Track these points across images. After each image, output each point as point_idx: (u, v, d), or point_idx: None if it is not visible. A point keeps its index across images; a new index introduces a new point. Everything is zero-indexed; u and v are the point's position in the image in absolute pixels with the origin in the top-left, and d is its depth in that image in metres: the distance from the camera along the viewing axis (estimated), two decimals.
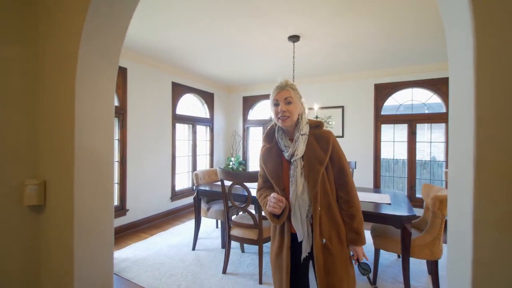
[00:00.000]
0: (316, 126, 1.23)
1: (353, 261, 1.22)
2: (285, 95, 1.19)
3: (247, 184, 2.29)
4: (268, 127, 1.32)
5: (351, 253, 1.22)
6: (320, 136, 1.19)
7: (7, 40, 1.22)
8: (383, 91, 4.30)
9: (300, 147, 1.16)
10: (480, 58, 0.56)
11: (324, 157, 1.15)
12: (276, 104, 1.21)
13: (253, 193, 2.39)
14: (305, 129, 1.20)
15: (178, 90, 4.44)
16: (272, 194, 1.16)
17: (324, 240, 1.14)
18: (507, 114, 0.55)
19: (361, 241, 1.17)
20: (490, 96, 0.57)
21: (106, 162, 1.32)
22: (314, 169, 1.14)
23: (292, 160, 1.19)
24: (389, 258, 2.79)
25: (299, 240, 1.18)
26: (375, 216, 2.10)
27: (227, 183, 2.55)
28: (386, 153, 4.60)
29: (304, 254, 1.17)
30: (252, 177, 2.23)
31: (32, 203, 1.27)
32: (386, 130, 4.49)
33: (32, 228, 1.31)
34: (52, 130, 1.28)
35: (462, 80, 0.61)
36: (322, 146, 1.17)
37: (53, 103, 1.27)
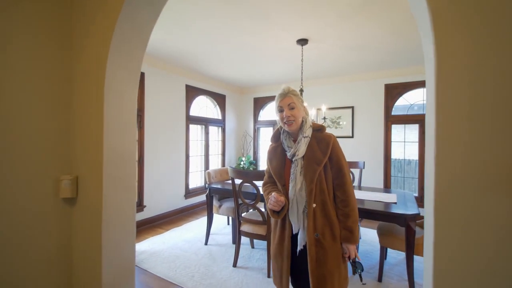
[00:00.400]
0: (318, 129, 1.33)
1: (347, 259, 1.29)
2: (288, 101, 1.29)
3: (256, 182, 2.41)
4: (276, 128, 1.44)
5: (345, 251, 1.28)
6: (321, 139, 1.29)
7: (46, 55, 1.41)
8: (393, 91, 4.30)
9: (301, 148, 1.27)
10: (439, 71, 0.67)
11: (322, 158, 1.24)
12: (280, 110, 1.31)
13: (262, 190, 2.51)
14: (308, 132, 1.30)
15: (192, 92, 4.63)
16: (273, 193, 1.27)
17: (317, 234, 1.22)
18: (461, 119, 0.66)
19: (354, 239, 1.23)
20: (447, 104, 0.67)
21: (130, 160, 1.49)
22: (312, 168, 1.24)
23: (293, 159, 1.30)
24: (397, 257, 2.83)
25: (294, 232, 1.29)
26: (380, 214, 2.16)
27: (238, 181, 2.69)
28: (399, 153, 4.58)
29: (300, 246, 1.27)
30: (261, 176, 2.35)
31: (67, 195, 1.45)
32: (398, 131, 4.48)
33: (66, 217, 1.50)
34: (83, 132, 1.46)
35: (429, 89, 0.71)
36: (322, 148, 1.26)
37: (84, 107, 1.45)
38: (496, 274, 0.60)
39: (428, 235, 0.71)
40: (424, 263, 0.74)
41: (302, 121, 1.32)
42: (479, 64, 0.63)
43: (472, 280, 0.63)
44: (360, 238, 3.30)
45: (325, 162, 1.26)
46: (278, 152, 1.38)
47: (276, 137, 1.41)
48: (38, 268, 1.40)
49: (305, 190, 1.25)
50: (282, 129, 1.38)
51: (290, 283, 1.34)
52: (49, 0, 1.42)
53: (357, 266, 1.31)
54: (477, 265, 0.62)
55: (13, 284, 1.31)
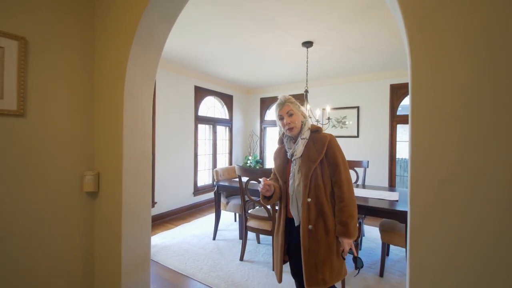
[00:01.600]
0: (315, 131, 1.46)
1: (342, 254, 1.36)
2: (286, 110, 1.43)
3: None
4: (281, 133, 1.59)
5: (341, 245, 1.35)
6: (317, 139, 1.41)
7: (71, 63, 1.56)
8: (399, 91, 4.33)
9: (299, 149, 1.40)
10: (414, 76, 0.79)
11: (317, 156, 1.36)
12: (281, 118, 1.46)
13: None
14: (306, 134, 1.43)
15: (200, 93, 4.77)
16: (262, 178, 1.41)
17: (311, 226, 1.33)
18: (431, 118, 0.76)
19: (348, 234, 1.30)
20: (418, 106, 0.78)
21: (146, 158, 1.63)
22: (307, 166, 1.36)
23: (292, 159, 1.44)
24: (399, 254, 2.90)
25: (296, 225, 1.41)
26: (382, 211, 2.24)
27: (244, 179, 2.81)
28: (404, 153, 4.62)
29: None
30: (267, 174, 2.46)
31: (90, 190, 1.60)
32: (404, 130, 4.51)
33: (89, 209, 1.66)
34: (105, 131, 1.61)
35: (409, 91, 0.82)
36: (317, 147, 1.38)
37: (106, 110, 1.60)
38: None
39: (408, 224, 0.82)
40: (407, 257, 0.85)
41: (302, 124, 1.45)
42: (447, 66, 0.73)
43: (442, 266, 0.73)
44: (364, 235, 3.37)
45: (321, 160, 1.36)
46: (281, 153, 1.54)
47: (280, 140, 1.58)
48: (64, 254, 1.55)
49: (301, 186, 1.37)
50: (284, 134, 1.53)
51: (282, 271, 1.50)
52: (74, 16, 1.57)
53: (356, 262, 1.39)
54: (446, 252, 0.73)
55: (42, 268, 1.47)
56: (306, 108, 3.17)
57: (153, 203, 3.88)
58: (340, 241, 1.35)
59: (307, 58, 3.30)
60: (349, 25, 2.62)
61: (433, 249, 0.73)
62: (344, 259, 1.38)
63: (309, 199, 1.34)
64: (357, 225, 1.38)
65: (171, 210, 4.21)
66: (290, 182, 1.41)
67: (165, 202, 4.12)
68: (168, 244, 3.13)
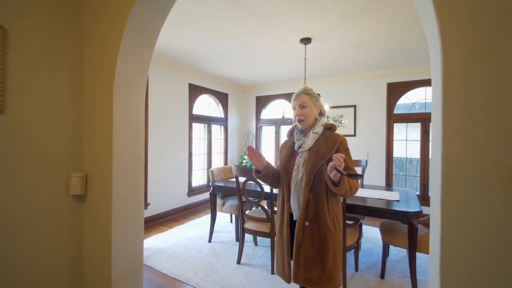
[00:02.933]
0: (329, 128, 1.42)
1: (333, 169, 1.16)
2: (300, 101, 1.40)
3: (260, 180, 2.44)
4: (293, 125, 1.54)
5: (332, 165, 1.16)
6: (329, 137, 1.37)
7: (57, 54, 1.44)
8: (396, 90, 4.31)
9: (308, 142, 1.36)
10: (446, 73, 0.70)
11: (326, 153, 1.31)
12: (294, 109, 1.44)
13: (266, 188, 2.54)
14: (318, 129, 1.39)
15: (195, 91, 4.65)
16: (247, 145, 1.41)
17: (307, 223, 1.30)
18: (467, 115, 0.68)
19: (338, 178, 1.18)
20: (454, 103, 0.69)
21: (138, 158, 1.52)
22: (314, 161, 1.31)
23: (299, 151, 1.39)
24: (399, 254, 2.86)
25: (294, 219, 1.37)
26: (383, 212, 2.19)
27: (241, 179, 2.71)
28: (400, 152, 4.60)
29: None
30: None
31: (77, 193, 1.49)
32: (400, 129, 4.50)
33: (76, 214, 1.54)
34: (94, 131, 1.49)
35: (435, 88, 0.74)
36: (328, 144, 1.34)
37: (94, 107, 1.48)
38: (500, 273, 0.63)
39: (434, 232, 0.73)
40: (429, 260, 0.77)
41: (316, 119, 1.41)
42: (483, 62, 0.66)
43: (478, 279, 0.66)
44: (363, 235, 3.32)
45: (329, 159, 1.30)
46: (288, 145, 1.51)
47: (290, 132, 1.56)
48: (49, 262, 1.43)
49: (304, 181, 1.32)
50: (296, 126, 1.49)
51: (291, 270, 1.37)
52: (60, 5, 1.45)
53: (351, 176, 1.17)
54: (483, 262, 0.65)
55: (26, 277, 1.34)
56: None
57: (146, 205, 3.75)
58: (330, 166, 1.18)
59: (305, 55, 3.23)
60: (349, 22, 2.55)
61: (467, 259, 0.65)
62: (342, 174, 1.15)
63: (310, 195, 1.31)
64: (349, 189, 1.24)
65: (165, 211, 4.09)
66: (294, 174, 1.37)
67: (159, 203, 3.99)
68: (162, 247, 3.01)
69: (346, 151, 1.36)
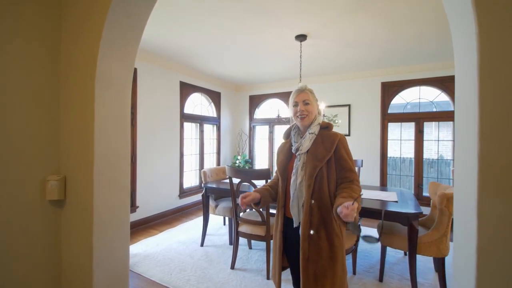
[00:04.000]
0: (325, 127, 1.34)
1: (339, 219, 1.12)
2: (304, 97, 1.32)
3: (255, 182, 2.33)
4: (290, 125, 1.48)
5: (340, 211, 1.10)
6: (326, 137, 1.29)
7: (32, 42, 1.29)
8: (390, 90, 4.29)
9: (305, 144, 1.28)
10: (483, 60, 0.60)
11: (325, 155, 1.23)
12: (295, 105, 1.35)
13: None
14: (314, 129, 1.31)
15: (186, 89, 4.51)
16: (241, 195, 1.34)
17: (312, 231, 1.21)
18: (509, 111, 0.59)
19: (349, 197, 1.13)
20: (493, 95, 0.60)
21: (123, 160, 1.38)
22: (312, 164, 1.23)
23: (297, 154, 1.31)
24: (396, 256, 2.80)
25: (294, 226, 1.29)
26: (381, 213, 2.12)
27: (235, 180, 2.60)
28: (393, 151, 4.59)
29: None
30: (260, 175, 2.27)
31: (54, 197, 1.34)
32: (393, 129, 4.48)
33: (53, 221, 1.39)
34: (72, 129, 1.35)
35: (467, 79, 0.64)
36: (326, 145, 1.26)
37: (73, 102, 1.34)
38: None
39: (466, 239, 0.64)
40: (454, 268, 0.68)
41: (314, 117, 1.35)
42: None
43: None
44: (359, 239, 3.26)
45: (329, 160, 1.24)
46: (286, 148, 1.43)
47: (287, 134, 1.47)
48: (23, 276, 1.28)
49: (304, 185, 1.25)
50: (294, 126, 1.42)
51: (281, 279, 1.38)
52: None
53: (352, 227, 1.11)
54: None
55: None
56: None
57: (135, 208, 3.58)
58: (339, 203, 1.12)
59: (301, 52, 3.14)
60: (346, 18, 2.48)
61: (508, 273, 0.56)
62: (348, 229, 1.14)
63: (312, 201, 1.22)
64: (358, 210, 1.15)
65: (154, 214, 3.92)
66: (292, 178, 1.30)
67: (148, 205, 3.82)
68: (152, 252, 2.86)
69: (347, 150, 1.29)
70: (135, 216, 3.59)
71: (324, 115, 3.31)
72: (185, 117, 4.49)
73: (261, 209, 2.48)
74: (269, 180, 1.80)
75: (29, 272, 1.30)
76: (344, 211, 1.02)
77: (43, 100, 1.34)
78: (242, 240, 3.05)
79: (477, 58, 0.59)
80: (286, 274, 1.46)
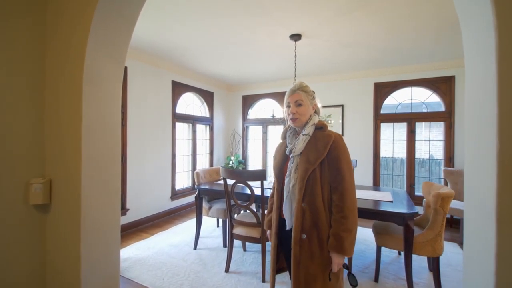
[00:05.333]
0: (319, 128, 1.28)
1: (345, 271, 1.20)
2: (296, 98, 1.27)
3: (250, 183, 2.29)
4: (286, 126, 1.44)
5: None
6: (320, 138, 1.23)
7: (14, 37, 1.21)
8: (382, 90, 4.32)
9: (299, 145, 1.24)
10: (502, 56, 0.57)
11: (317, 157, 1.18)
12: (288, 106, 1.31)
13: (256, 191, 2.40)
14: (309, 129, 1.25)
15: (178, 89, 4.42)
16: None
17: (304, 236, 1.18)
18: None
19: (341, 249, 1.13)
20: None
21: (113, 161, 1.31)
22: (304, 166, 1.20)
23: (291, 156, 1.28)
24: (390, 256, 2.81)
25: (287, 228, 1.27)
26: (377, 214, 2.11)
27: (230, 181, 2.55)
28: (385, 151, 4.63)
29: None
30: (256, 176, 2.23)
31: (38, 202, 1.26)
32: (386, 129, 4.52)
33: (37, 227, 1.30)
34: (58, 129, 1.27)
35: (482, 76, 0.61)
36: (319, 147, 1.20)
37: (59, 101, 1.26)
38: None
39: (482, 245, 0.60)
40: (465, 275, 0.65)
41: (309, 118, 1.29)
42: None
43: None
44: None
45: (322, 162, 1.19)
46: (282, 150, 1.39)
47: (283, 135, 1.43)
48: (6, 286, 1.19)
49: (297, 188, 1.22)
50: (290, 126, 1.37)
51: (275, 280, 1.42)
52: None
53: (350, 280, 1.22)
54: None
55: None
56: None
57: (125, 210, 3.48)
58: (330, 256, 1.17)
59: (295, 52, 3.12)
60: (341, 17, 2.47)
61: None
62: (330, 279, 1.17)
63: (303, 204, 1.19)
64: (355, 240, 1.18)
65: (146, 217, 3.82)
66: (286, 180, 1.28)
67: (139, 208, 3.72)
68: (143, 256, 2.77)
69: (342, 151, 1.20)
70: (125, 219, 3.48)
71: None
72: (177, 117, 4.41)
73: (255, 209, 2.45)
74: (265, 182, 1.77)
75: (11, 282, 1.22)
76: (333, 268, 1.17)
77: (27, 98, 1.26)
78: (237, 242, 3.00)
79: (496, 54, 0.56)
80: (284, 276, 1.44)
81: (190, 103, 4.88)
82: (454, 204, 3.21)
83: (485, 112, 0.62)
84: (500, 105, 0.57)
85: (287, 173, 1.27)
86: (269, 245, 2.80)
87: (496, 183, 0.56)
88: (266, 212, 1.53)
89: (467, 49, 0.70)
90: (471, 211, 0.63)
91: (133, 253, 2.85)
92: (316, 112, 1.34)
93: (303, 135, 1.25)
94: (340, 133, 4.59)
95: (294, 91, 1.28)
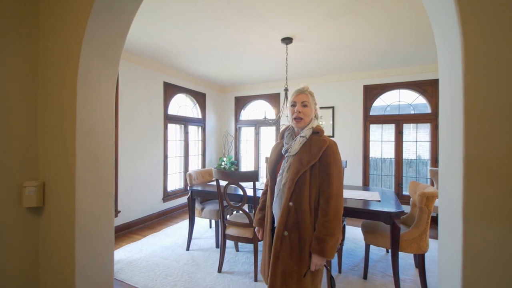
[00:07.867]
0: (316, 132, 1.33)
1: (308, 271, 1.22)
2: (303, 99, 1.33)
3: (243, 184, 2.33)
4: (285, 127, 1.49)
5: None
6: (315, 142, 1.28)
7: (7, 39, 1.21)
8: (372, 92, 4.44)
9: (295, 146, 1.29)
10: (467, 62, 0.63)
11: (309, 160, 1.23)
12: (293, 105, 1.35)
13: (249, 192, 2.43)
14: (306, 132, 1.30)
15: (170, 90, 4.41)
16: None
17: (286, 232, 1.23)
18: (495, 113, 0.62)
19: (323, 252, 1.16)
20: (478, 97, 0.64)
21: (107, 163, 1.33)
22: (296, 167, 1.24)
23: (286, 156, 1.33)
24: (378, 253, 2.90)
25: (274, 225, 1.34)
26: (365, 213, 2.19)
27: (222, 183, 2.58)
28: (374, 152, 4.75)
29: None
30: (248, 177, 2.27)
31: (31, 205, 1.26)
32: (375, 130, 4.64)
33: (31, 230, 1.30)
34: (52, 131, 1.27)
35: (452, 81, 0.68)
36: (313, 151, 1.25)
37: (53, 104, 1.27)
38: None
39: (452, 239, 0.66)
40: (439, 266, 0.71)
41: (310, 121, 1.34)
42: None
43: None
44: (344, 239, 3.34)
45: (313, 165, 1.24)
46: (278, 149, 1.44)
47: (281, 134, 1.49)
48: None
49: (286, 186, 1.27)
50: (289, 127, 1.43)
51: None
52: None
53: (331, 282, 1.29)
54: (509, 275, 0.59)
55: None
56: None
57: (117, 212, 3.45)
58: (312, 257, 1.21)
59: (287, 55, 3.18)
60: (331, 21, 2.54)
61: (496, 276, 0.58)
62: (304, 276, 1.21)
63: (291, 203, 1.24)
64: (337, 244, 1.22)
65: (138, 218, 3.80)
66: (278, 179, 1.33)
67: (131, 210, 3.70)
68: (135, 258, 2.77)
69: (333, 157, 1.24)
70: (117, 221, 3.45)
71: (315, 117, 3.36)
72: (169, 118, 4.40)
73: (247, 210, 2.48)
74: (257, 183, 1.82)
75: (5, 285, 1.21)
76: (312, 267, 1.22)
77: (20, 100, 1.26)
78: (229, 243, 3.03)
79: (462, 62, 0.63)
80: None
81: (182, 104, 4.87)
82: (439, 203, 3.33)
83: (454, 119, 0.68)
84: (466, 113, 0.64)
85: (280, 171, 1.32)
86: (261, 245, 2.85)
87: (462, 181, 0.62)
88: (257, 209, 1.57)
89: (440, 63, 0.77)
90: (443, 210, 0.69)
91: (125, 255, 2.84)
92: (316, 117, 1.39)
93: (300, 137, 1.30)
94: (331, 134, 4.69)
95: (302, 92, 1.34)
